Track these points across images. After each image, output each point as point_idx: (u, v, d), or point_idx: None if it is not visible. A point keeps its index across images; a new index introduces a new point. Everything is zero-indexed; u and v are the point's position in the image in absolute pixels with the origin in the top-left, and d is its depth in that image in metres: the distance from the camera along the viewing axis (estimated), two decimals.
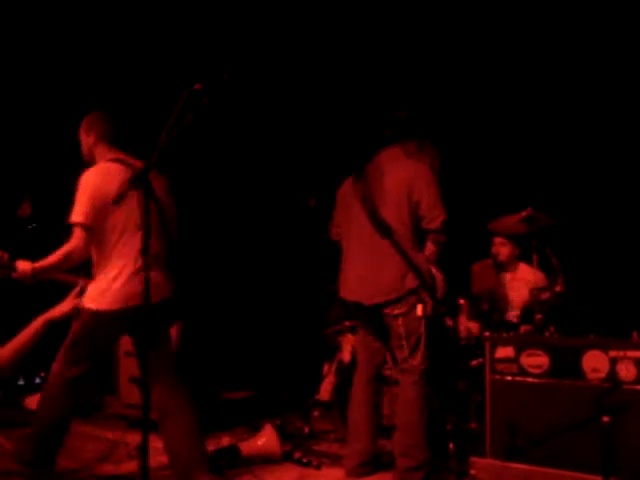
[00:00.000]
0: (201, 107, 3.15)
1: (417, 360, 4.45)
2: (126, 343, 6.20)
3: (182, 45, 6.92)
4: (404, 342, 4.44)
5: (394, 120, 4.81)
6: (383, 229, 4.48)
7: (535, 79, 6.68)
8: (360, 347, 4.85)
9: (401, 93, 6.54)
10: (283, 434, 5.54)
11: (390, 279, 4.46)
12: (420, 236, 4.55)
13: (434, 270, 4.56)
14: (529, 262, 5.59)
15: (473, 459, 4.09)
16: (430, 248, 4.55)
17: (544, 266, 5.26)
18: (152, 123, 3.57)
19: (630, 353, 3.72)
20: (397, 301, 4.45)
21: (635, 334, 3.80)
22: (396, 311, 4.45)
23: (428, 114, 5.18)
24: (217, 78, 3.22)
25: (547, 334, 4.23)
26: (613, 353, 3.76)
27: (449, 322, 5.26)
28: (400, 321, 4.44)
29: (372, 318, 4.64)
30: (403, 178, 4.53)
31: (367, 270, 4.54)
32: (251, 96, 7.27)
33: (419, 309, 4.43)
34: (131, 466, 4.93)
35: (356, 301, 4.62)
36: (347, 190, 4.83)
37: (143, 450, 2.96)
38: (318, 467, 4.86)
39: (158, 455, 5.17)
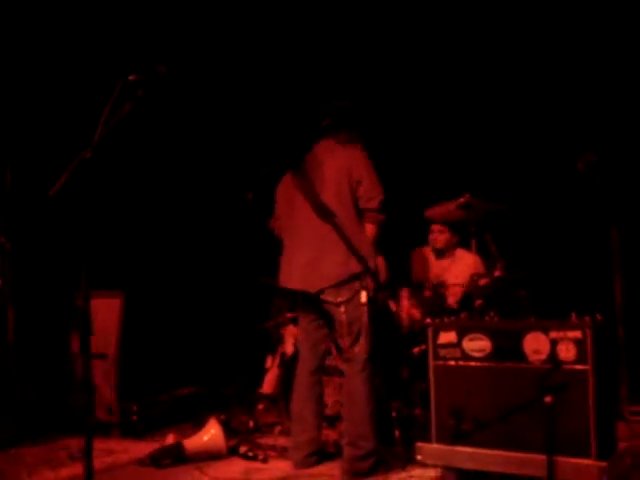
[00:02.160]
0: (136, 98, 3.10)
1: (361, 348, 4.46)
2: (74, 345, 6.11)
3: (118, 38, 6.79)
4: (347, 330, 4.43)
5: (336, 108, 4.81)
6: (325, 213, 4.47)
7: (469, 64, 6.75)
8: (302, 338, 4.84)
9: (335, 83, 6.54)
10: (228, 429, 5.51)
11: (333, 264, 4.46)
12: (362, 218, 4.57)
13: (376, 254, 4.58)
14: (468, 248, 5.65)
15: (419, 444, 4.10)
16: (370, 228, 4.56)
17: (483, 252, 5.33)
18: (86, 114, 3.48)
19: (570, 334, 3.77)
20: (340, 287, 4.44)
21: (573, 315, 3.86)
22: (339, 298, 4.44)
23: (366, 102, 5.18)
24: (152, 70, 3.17)
25: (488, 318, 4.26)
26: (553, 334, 3.81)
27: (393, 306, 5.27)
28: (343, 308, 4.43)
29: (315, 307, 4.63)
30: (342, 162, 4.57)
31: (311, 258, 4.53)
32: (188, 88, 7.22)
33: (363, 295, 4.43)
34: (73, 469, 4.83)
35: (300, 290, 4.60)
36: (286, 184, 4.84)
37: (87, 452, 2.87)
38: (264, 460, 4.85)
39: (103, 457, 5.14)
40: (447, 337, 4.08)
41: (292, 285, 4.65)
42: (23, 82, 6.61)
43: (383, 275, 4.71)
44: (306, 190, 4.59)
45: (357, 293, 4.44)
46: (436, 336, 4.11)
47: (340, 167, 4.55)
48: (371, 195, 4.52)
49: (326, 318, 4.66)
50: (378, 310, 4.84)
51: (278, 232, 4.92)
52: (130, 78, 3.09)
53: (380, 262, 4.68)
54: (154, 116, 7.05)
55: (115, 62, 6.31)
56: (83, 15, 6.60)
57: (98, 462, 4.96)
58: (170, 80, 3.29)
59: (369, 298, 4.45)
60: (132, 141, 7.17)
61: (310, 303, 4.65)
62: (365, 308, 4.45)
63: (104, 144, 2.89)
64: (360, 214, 4.56)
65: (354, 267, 4.44)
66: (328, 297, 4.48)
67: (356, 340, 4.46)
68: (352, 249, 4.43)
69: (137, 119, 6.65)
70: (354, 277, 4.44)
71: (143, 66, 3.20)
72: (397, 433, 4.85)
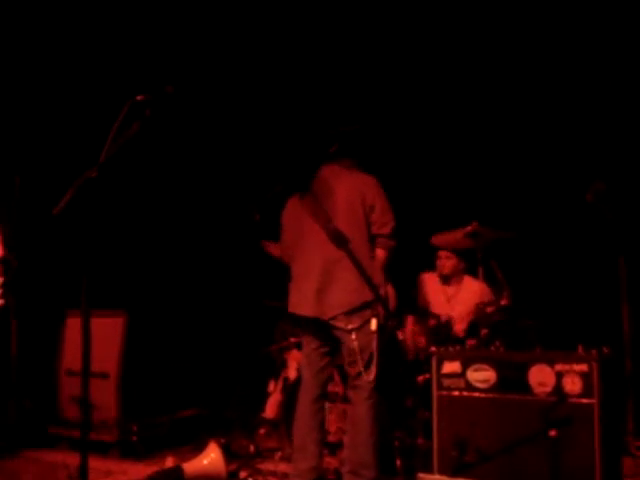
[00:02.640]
0: (144, 118, 3.08)
1: (371, 376, 4.39)
2: (68, 361, 6.08)
3: (127, 57, 6.81)
4: (357, 357, 4.37)
5: (342, 135, 4.79)
6: (339, 240, 4.43)
7: (479, 90, 6.72)
8: (305, 365, 4.76)
9: (343, 108, 6.52)
10: (228, 453, 5.45)
11: (346, 292, 4.40)
12: (373, 244, 4.53)
13: (386, 282, 4.54)
14: (474, 275, 5.60)
15: (421, 475, 4.05)
16: (381, 254, 4.52)
17: (489, 279, 5.28)
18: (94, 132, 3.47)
19: (576, 367, 3.73)
20: (352, 313, 4.38)
21: (580, 347, 3.81)
22: (350, 325, 4.37)
23: (373, 128, 5.16)
24: (160, 90, 3.16)
25: (493, 348, 4.22)
26: (559, 367, 3.77)
27: (401, 335, 5.22)
28: (354, 335, 4.36)
29: (322, 334, 4.58)
30: (353, 186, 4.53)
31: (323, 284, 4.47)
32: (197, 108, 7.22)
33: (373, 323, 4.37)
34: None
35: (312, 316, 4.54)
36: (293, 209, 4.78)
37: (82, 471, 2.83)
38: None
39: (101, 477, 5.10)
40: (451, 367, 4.04)
41: (303, 312, 4.59)
42: (34, 99, 6.63)
43: (392, 303, 4.66)
44: (317, 215, 4.54)
45: (368, 320, 4.39)
46: (440, 366, 4.08)
47: (352, 192, 4.51)
48: (384, 221, 4.49)
49: (331, 345, 4.60)
50: (386, 339, 4.78)
51: (285, 258, 4.87)
52: (138, 98, 3.07)
53: (390, 290, 4.63)
54: (162, 135, 7.08)
55: (124, 81, 6.32)
56: (93, 34, 6.62)
57: None
58: (178, 100, 3.27)
59: (379, 326, 4.41)
60: (140, 160, 7.20)
61: (318, 330, 4.59)
62: (375, 335, 4.39)
63: (110, 163, 2.87)
64: (371, 240, 4.52)
65: (366, 294, 4.39)
66: (339, 323, 4.42)
67: (367, 367, 4.40)
68: (365, 276, 4.39)
69: (145, 138, 6.75)
70: (366, 305, 4.40)
71: (151, 86, 3.18)
72: (399, 462, 4.79)
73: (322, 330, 4.55)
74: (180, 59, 6.84)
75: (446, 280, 6.01)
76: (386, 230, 4.48)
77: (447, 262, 5.94)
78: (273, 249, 5.21)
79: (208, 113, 7.39)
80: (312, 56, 6.99)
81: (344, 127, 4.83)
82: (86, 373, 2.91)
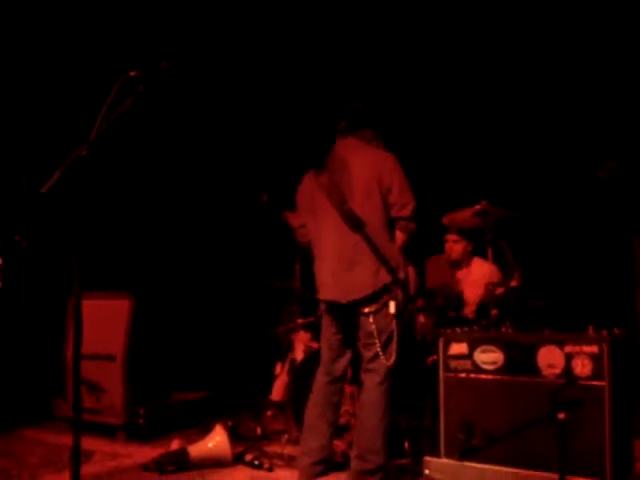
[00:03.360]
0: (138, 95, 2.99)
1: (390, 360, 4.29)
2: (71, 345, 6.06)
3: (123, 33, 6.72)
4: (375, 340, 4.28)
5: (350, 112, 4.68)
6: (354, 222, 4.31)
7: (490, 70, 6.62)
8: (325, 347, 4.66)
9: (353, 86, 6.43)
10: (235, 435, 5.41)
11: (364, 275, 4.30)
12: (392, 226, 4.42)
13: (406, 264, 4.45)
14: (484, 256, 5.51)
15: (427, 459, 3.99)
16: (400, 237, 4.40)
17: (499, 260, 5.19)
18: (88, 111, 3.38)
19: (586, 348, 3.64)
20: (371, 298, 4.28)
21: (591, 328, 3.72)
22: (368, 308, 4.28)
23: (381, 106, 5.07)
24: (154, 66, 3.06)
25: (503, 329, 4.14)
26: (568, 348, 3.68)
27: (421, 319, 5.13)
28: (372, 319, 4.27)
29: (343, 317, 4.49)
30: (370, 165, 4.38)
31: (341, 268, 4.36)
32: (205, 86, 7.15)
33: (392, 306, 4.27)
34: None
35: (331, 300, 4.46)
36: (308, 186, 4.63)
37: (75, 454, 2.77)
38: (270, 469, 4.74)
39: (107, 460, 5.07)
40: (458, 348, 3.96)
41: (326, 296, 4.50)
42: (38, 87, 6.58)
43: (413, 286, 4.54)
44: (333, 195, 4.40)
45: (386, 304, 4.29)
46: (447, 347, 4.00)
47: (369, 172, 4.36)
48: (403, 202, 4.34)
49: (351, 329, 4.51)
50: (406, 321, 4.70)
51: (303, 239, 4.77)
52: (131, 74, 2.98)
53: (410, 272, 4.51)
54: (168, 114, 7.02)
55: (118, 57, 6.23)
56: (87, 10, 6.53)
57: (101, 466, 4.98)
58: (175, 76, 3.18)
59: (398, 309, 4.32)
60: (148, 140, 7.15)
61: (338, 312, 4.51)
62: (394, 319, 4.31)
63: (102, 141, 2.78)
64: (390, 222, 4.42)
65: (384, 278, 4.29)
66: (358, 306, 4.34)
67: (384, 350, 4.31)
68: (382, 259, 4.28)
69: (153, 116, 6.69)
70: (385, 288, 4.30)
71: (145, 62, 3.09)
72: (406, 445, 4.73)
73: (341, 313, 4.47)
74: (180, 34, 6.74)
75: (455, 264, 5.92)
76: (406, 212, 4.34)
77: (455, 246, 5.85)
78: (292, 219, 5.03)
79: (214, 91, 7.31)
80: (320, 33, 6.89)
81: (352, 104, 4.73)
82: (77, 355, 2.84)
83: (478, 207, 4.81)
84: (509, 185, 6.23)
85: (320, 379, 4.61)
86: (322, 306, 4.58)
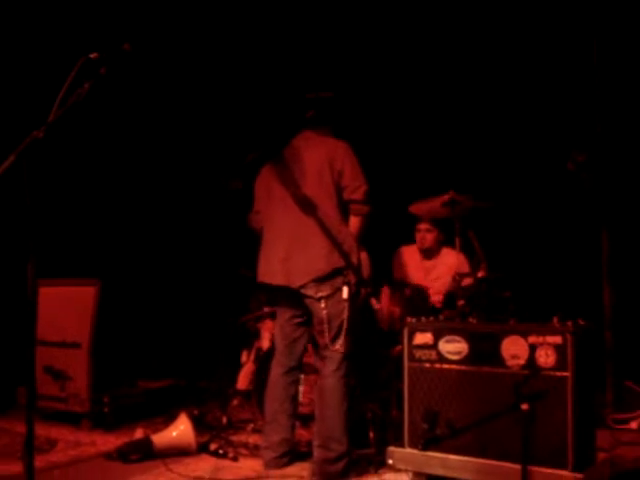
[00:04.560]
0: (99, 77, 2.93)
1: (339, 346, 4.30)
2: (40, 331, 5.97)
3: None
4: (327, 326, 4.27)
5: (318, 101, 4.66)
6: (307, 207, 4.32)
7: (457, 58, 6.61)
8: (279, 336, 4.66)
9: (322, 75, 6.39)
10: (201, 424, 5.41)
11: (315, 259, 4.29)
12: (345, 210, 4.41)
13: (360, 248, 4.43)
14: (452, 246, 5.50)
15: (390, 448, 3.97)
16: (354, 221, 4.40)
17: (467, 250, 5.18)
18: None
19: (550, 339, 3.63)
20: (322, 281, 4.27)
21: (555, 319, 3.72)
22: (320, 293, 4.27)
23: (350, 95, 5.04)
24: (116, 48, 3.00)
25: (469, 320, 4.13)
26: (532, 339, 3.67)
27: (375, 304, 5.12)
28: (324, 304, 4.26)
29: (294, 303, 4.48)
30: (323, 153, 4.41)
31: (292, 252, 4.36)
32: (174, 71, 7.08)
33: (345, 291, 4.27)
34: (39, 462, 4.69)
35: (282, 285, 4.43)
36: (265, 176, 4.69)
37: (28, 443, 2.71)
38: (235, 459, 4.71)
39: (70, 449, 5.02)
40: (423, 338, 3.95)
41: (273, 280, 4.47)
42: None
43: (366, 270, 4.53)
44: (286, 182, 4.43)
45: (339, 288, 4.28)
46: (412, 337, 3.98)
47: (321, 158, 4.40)
48: (355, 185, 4.35)
49: (305, 316, 4.51)
50: (359, 307, 4.68)
51: (256, 225, 4.76)
52: (91, 55, 2.91)
53: (364, 257, 4.50)
54: (139, 98, 6.94)
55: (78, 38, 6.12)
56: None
57: (64, 455, 4.93)
58: (140, 59, 3.12)
59: (351, 294, 4.30)
60: (118, 123, 7.06)
61: (289, 299, 4.49)
62: (346, 304, 4.28)
63: (59, 124, 2.72)
64: (343, 206, 4.40)
65: (336, 261, 4.28)
66: (309, 291, 4.32)
67: (336, 337, 4.30)
68: (335, 243, 4.27)
69: (123, 100, 6.60)
70: (336, 272, 4.28)
71: (107, 44, 3.03)
72: (372, 435, 4.71)
73: (293, 299, 4.45)
74: (148, 16, 6.65)
75: (426, 253, 5.92)
76: (358, 195, 4.36)
77: (428, 235, 5.85)
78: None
79: (187, 75, 7.24)
80: (287, 22, 6.84)
81: (320, 93, 4.71)
82: (31, 341, 2.77)
83: (446, 197, 4.78)
84: (477, 175, 6.23)
85: (275, 371, 4.61)
86: (271, 289, 4.56)
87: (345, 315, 4.29)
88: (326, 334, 4.29)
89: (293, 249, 4.37)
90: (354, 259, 4.34)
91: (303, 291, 4.33)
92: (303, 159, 4.45)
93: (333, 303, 4.28)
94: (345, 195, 4.37)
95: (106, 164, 7.19)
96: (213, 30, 7.02)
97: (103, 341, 5.76)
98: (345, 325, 4.30)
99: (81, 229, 7.03)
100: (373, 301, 5.15)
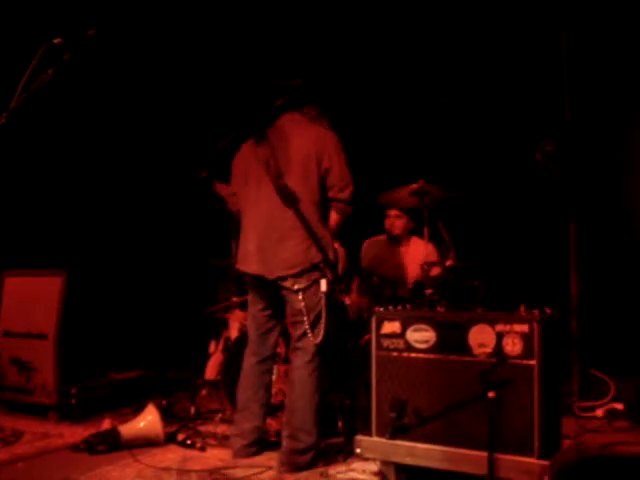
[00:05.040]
0: (62, 63, 2.89)
1: (318, 338, 4.30)
2: (6, 322, 5.91)
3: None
4: (304, 318, 4.26)
5: (287, 89, 4.63)
6: (288, 198, 4.27)
7: (425, 46, 6.61)
8: (252, 325, 4.64)
9: (292, 62, 6.36)
10: (169, 415, 5.40)
11: (294, 252, 4.28)
12: (325, 206, 4.39)
13: (337, 244, 4.43)
14: (420, 236, 5.52)
15: (358, 437, 3.96)
16: (335, 218, 4.41)
17: (436, 240, 5.20)
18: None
19: (517, 327, 3.63)
20: (299, 275, 4.27)
21: (522, 308, 3.73)
22: (297, 286, 4.27)
23: (319, 83, 5.01)
24: (80, 33, 2.97)
25: (437, 309, 4.14)
26: (499, 327, 3.67)
27: (347, 300, 5.12)
28: (301, 296, 4.26)
29: (268, 293, 4.46)
30: (311, 143, 4.35)
31: (269, 242, 4.33)
32: (140, 66, 7.01)
33: (323, 284, 4.28)
34: (3, 453, 4.65)
35: (256, 274, 4.41)
36: (246, 155, 4.59)
37: None
38: (202, 449, 4.69)
39: (36, 441, 4.97)
40: (391, 327, 3.94)
41: (249, 269, 4.46)
42: None
43: (342, 267, 4.53)
44: (269, 168, 4.35)
45: (316, 281, 4.29)
46: (380, 326, 3.97)
47: (309, 149, 4.33)
48: (342, 185, 4.35)
49: (278, 305, 4.49)
50: (331, 301, 4.68)
51: (233, 207, 4.71)
52: (55, 41, 2.88)
53: (340, 253, 4.50)
54: (103, 86, 6.85)
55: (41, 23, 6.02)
56: None
57: (30, 446, 4.88)
58: (103, 45, 3.09)
59: (328, 287, 4.30)
60: (84, 111, 6.98)
61: (263, 288, 4.47)
62: (323, 297, 4.29)
63: (21, 110, 2.69)
64: (325, 202, 4.38)
65: (314, 256, 4.28)
66: (286, 283, 4.31)
67: (314, 328, 4.29)
68: (314, 237, 4.26)
69: (88, 86, 6.50)
70: (314, 266, 4.28)
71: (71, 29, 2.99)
72: (340, 424, 4.73)
73: (267, 289, 4.43)
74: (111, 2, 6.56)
75: (395, 241, 5.94)
76: (344, 196, 4.36)
77: (397, 221, 5.87)
78: (221, 189, 4.96)
79: (148, 65, 7.17)
80: (256, 8, 6.80)
81: (289, 81, 4.67)
82: None
83: (415, 186, 4.79)
84: (446, 164, 6.24)
85: (248, 360, 4.59)
86: (246, 278, 4.53)
87: (322, 307, 4.30)
88: (304, 325, 4.28)
89: (269, 239, 4.34)
90: (331, 254, 4.34)
91: (280, 282, 4.32)
92: (290, 144, 4.37)
93: (310, 295, 4.29)
94: (331, 194, 4.36)
95: (73, 153, 7.10)
96: (181, 17, 6.96)
97: (71, 332, 5.71)
98: (322, 317, 4.30)
99: (48, 219, 6.95)
100: (345, 297, 5.14)
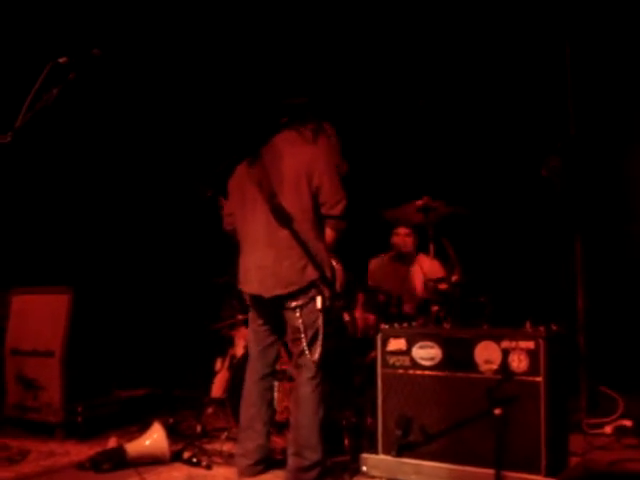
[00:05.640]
0: (67, 82, 2.91)
1: (315, 355, 4.28)
2: (13, 340, 5.92)
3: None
4: (302, 335, 4.26)
5: (292, 107, 4.64)
6: (283, 218, 4.28)
7: (432, 64, 6.63)
8: (252, 341, 4.65)
9: (296, 81, 6.38)
10: (175, 433, 5.37)
11: (291, 271, 4.27)
12: (320, 223, 4.39)
13: (334, 262, 4.42)
14: (426, 252, 5.51)
15: (364, 455, 3.96)
16: (330, 235, 4.39)
17: (441, 256, 5.19)
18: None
19: (522, 344, 3.64)
20: (297, 293, 4.27)
21: (528, 324, 3.72)
22: (294, 303, 4.26)
23: (324, 102, 5.03)
24: (85, 53, 2.98)
25: (443, 325, 4.13)
26: (505, 344, 3.67)
27: (346, 316, 5.11)
28: (298, 313, 4.25)
29: (268, 311, 4.46)
30: (302, 163, 4.34)
31: (266, 261, 4.33)
32: (147, 81, 7.04)
33: (318, 301, 4.26)
34: (10, 472, 4.64)
35: (254, 294, 4.42)
36: (240, 175, 4.61)
37: None
38: (208, 467, 4.66)
39: (42, 459, 4.96)
40: (397, 344, 3.94)
41: (249, 288, 4.47)
42: None
43: (340, 283, 4.53)
44: (262, 187, 4.37)
45: (312, 298, 4.27)
46: (385, 343, 3.98)
47: (301, 168, 4.32)
48: (333, 202, 4.32)
49: (278, 322, 4.49)
50: (332, 318, 4.68)
51: (229, 227, 4.72)
52: (60, 60, 2.90)
53: (338, 270, 4.50)
54: (110, 104, 6.88)
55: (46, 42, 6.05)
56: None
57: (35, 465, 4.86)
58: (108, 65, 3.11)
59: (324, 305, 4.29)
60: (91, 131, 7.01)
61: (263, 305, 4.47)
62: (320, 314, 4.28)
63: (26, 129, 2.70)
64: (319, 218, 4.38)
65: (311, 274, 4.26)
66: (283, 301, 4.31)
67: (311, 346, 4.29)
68: (310, 255, 4.26)
69: (97, 106, 6.52)
70: (311, 284, 4.28)
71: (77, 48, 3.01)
72: (346, 442, 4.69)
73: (267, 306, 4.44)
74: (118, 20, 6.59)
75: (402, 259, 5.93)
76: (336, 212, 4.33)
77: (407, 239, 5.87)
78: (225, 206, 4.96)
79: (157, 82, 7.21)
80: (260, 27, 6.83)
81: (294, 99, 4.69)
82: None
83: (420, 203, 4.80)
84: (451, 181, 6.24)
85: (250, 378, 4.58)
86: (246, 297, 4.54)
87: (319, 325, 4.29)
88: (302, 343, 4.28)
89: (266, 258, 4.33)
90: (327, 272, 4.34)
91: (277, 301, 4.33)
92: (282, 164, 4.38)
93: (307, 313, 4.27)
94: (323, 210, 4.34)
95: (79, 173, 7.14)
96: (186, 37, 7.00)
97: (77, 350, 5.70)
98: (320, 334, 4.29)
99: (55, 237, 6.98)
100: (345, 314, 5.13)
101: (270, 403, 4.64)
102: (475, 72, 6.49)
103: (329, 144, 4.57)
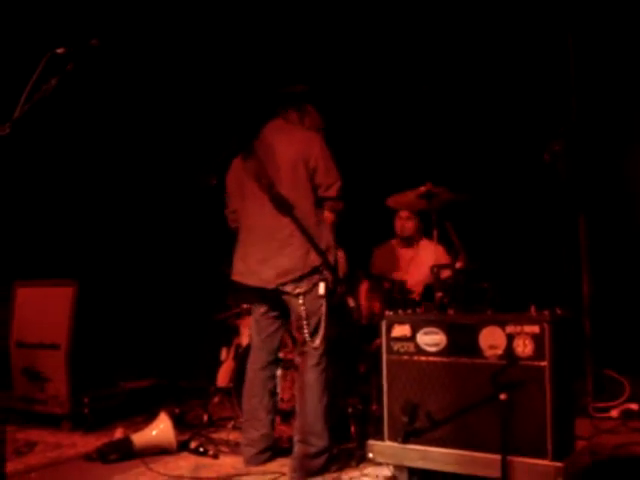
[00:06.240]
0: (66, 73, 2.90)
1: (318, 341, 4.29)
2: (18, 333, 5.93)
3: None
4: (304, 322, 4.26)
5: (290, 95, 4.63)
6: (283, 206, 4.29)
7: (432, 51, 6.61)
8: (255, 330, 4.65)
9: (295, 68, 6.36)
10: (182, 423, 5.40)
11: (293, 258, 4.28)
12: (321, 205, 4.39)
13: (337, 248, 4.43)
14: (430, 238, 5.50)
15: (370, 442, 3.94)
16: (328, 217, 4.41)
17: (444, 242, 5.18)
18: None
19: (527, 328, 3.61)
20: (299, 280, 4.27)
21: (533, 308, 3.71)
22: (297, 290, 4.27)
23: (323, 89, 5.01)
24: (83, 43, 2.97)
25: (448, 311, 4.12)
26: (510, 329, 3.65)
27: (351, 302, 5.11)
28: (302, 300, 4.26)
29: (271, 299, 4.46)
30: (296, 148, 4.37)
31: (269, 253, 4.34)
32: (146, 74, 7.03)
33: (321, 287, 4.28)
34: (17, 464, 4.65)
35: (258, 285, 4.41)
36: (237, 172, 4.63)
37: None
38: (215, 456, 4.69)
39: (49, 451, 4.98)
40: (401, 330, 3.92)
41: (249, 281, 4.46)
42: None
43: (343, 269, 4.53)
44: (259, 178, 4.38)
45: (315, 284, 4.29)
46: (390, 329, 3.95)
47: (296, 154, 4.35)
48: (328, 183, 4.35)
49: (280, 310, 4.49)
50: (336, 304, 4.68)
51: (233, 224, 4.72)
52: (58, 51, 2.88)
53: (340, 256, 4.50)
54: (110, 97, 6.87)
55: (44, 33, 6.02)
56: None
57: (42, 457, 4.90)
58: (106, 55, 3.09)
59: (327, 291, 4.29)
60: (93, 121, 7.01)
61: (264, 297, 4.47)
62: (323, 300, 4.29)
63: (24, 121, 2.69)
64: (319, 202, 4.38)
65: (314, 260, 4.28)
66: (287, 288, 4.31)
67: (314, 333, 4.30)
68: (312, 242, 4.26)
69: (98, 96, 6.51)
70: (314, 270, 4.28)
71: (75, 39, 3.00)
72: (353, 429, 4.71)
73: (269, 296, 4.43)
74: (115, 10, 6.57)
75: (406, 242, 5.93)
76: (332, 193, 4.36)
77: (407, 223, 5.88)
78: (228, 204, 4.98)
79: (153, 73, 7.19)
80: (258, 15, 6.81)
81: (292, 87, 4.68)
82: None
83: (423, 189, 4.76)
84: (454, 166, 6.22)
85: (252, 367, 4.60)
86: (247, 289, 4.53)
87: (322, 311, 4.30)
88: (305, 330, 4.28)
89: (270, 250, 4.35)
90: (331, 257, 4.35)
91: (281, 288, 4.32)
92: (276, 154, 4.39)
93: (310, 299, 4.29)
94: (319, 192, 4.36)
95: (83, 164, 7.13)
96: (185, 26, 6.98)
97: (83, 342, 5.73)
98: (323, 322, 4.30)
99: (59, 229, 6.98)
100: (349, 299, 5.13)
101: (272, 392, 4.65)
102: (478, 58, 6.46)
103: (315, 122, 4.57)
